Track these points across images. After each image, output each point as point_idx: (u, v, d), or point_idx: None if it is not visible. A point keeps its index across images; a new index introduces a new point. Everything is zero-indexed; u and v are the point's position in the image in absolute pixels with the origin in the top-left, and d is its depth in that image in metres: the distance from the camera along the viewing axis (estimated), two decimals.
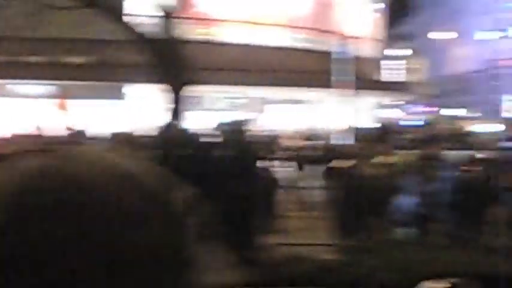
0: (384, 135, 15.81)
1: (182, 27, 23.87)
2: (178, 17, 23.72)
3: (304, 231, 13.56)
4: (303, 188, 17.17)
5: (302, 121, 39.19)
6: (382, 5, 58.70)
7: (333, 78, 25.73)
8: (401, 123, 38.89)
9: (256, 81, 40.60)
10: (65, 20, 29.80)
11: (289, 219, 14.21)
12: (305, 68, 41.63)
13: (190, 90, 22.54)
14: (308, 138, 22.05)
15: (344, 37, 38.90)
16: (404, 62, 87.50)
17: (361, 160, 12.15)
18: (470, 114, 66.82)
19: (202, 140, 12.61)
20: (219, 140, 12.28)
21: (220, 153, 11.65)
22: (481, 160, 13.81)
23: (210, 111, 38.64)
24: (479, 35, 79.13)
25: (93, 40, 37.02)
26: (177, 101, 21.86)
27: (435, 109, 74.66)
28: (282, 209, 14.18)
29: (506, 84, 73.56)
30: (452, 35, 73.80)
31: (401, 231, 11.78)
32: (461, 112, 69.78)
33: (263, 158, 14.66)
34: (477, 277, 8.08)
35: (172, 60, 21.68)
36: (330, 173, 13.47)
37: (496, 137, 16.56)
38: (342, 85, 23.56)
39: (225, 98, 43.35)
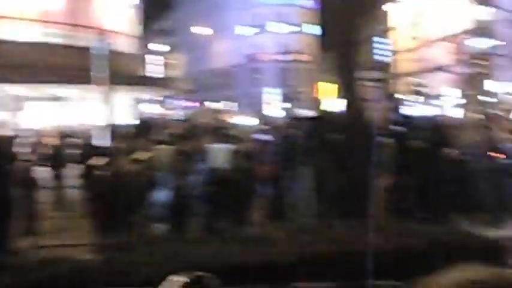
0: (143, 131, 15.79)
1: None
2: None
3: (63, 232, 13.23)
4: (62, 187, 16.73)
5: (62, 119, 38.08)
6: (137, 0, 58.66)
7: (92, 74, 25.25)
8: (162, 118, 39.12)
9: (11, 78, 38.71)
10: None
11: (48, 219, 13.83)
12: (64, 64, 40.52)
13: None
14: (67, 136, 21.44)
15: (101, 32, 38.36)
16: (164, 57, 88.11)
17: (118, 157, 12.07)
18: (231, 108, 68.89)
19: None
20: None
21: None
22: (243, 152, 14.33)
23: None
24: (238, 30, 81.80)
25: None
26: None
27: (197, 103, 76.09)
28: (41, 210, 13.75)
29: (266, 77, 76.88)
30: (212, 30, 75.62)
31: (159, 226, 11.89)
32: (224, 105, 71.73)
33: (20, 158, 14.06)
34: (235, 268, 8.36)
35: None
36: (88, 171, 13.25)
37: (252, 129, 17.15)
38: (100, 81, 23.22)
39: None
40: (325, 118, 11.63)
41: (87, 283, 7.85)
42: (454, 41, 58.02)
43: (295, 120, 13.83)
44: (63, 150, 18.21)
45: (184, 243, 9.88)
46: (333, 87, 11.62)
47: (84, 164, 14.13)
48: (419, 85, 61.92)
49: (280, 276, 8.30)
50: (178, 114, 47.75)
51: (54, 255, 9.73)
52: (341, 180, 11.10)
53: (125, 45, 52.34)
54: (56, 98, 44.54)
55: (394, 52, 67.23)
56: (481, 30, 56.97)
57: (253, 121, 33.78)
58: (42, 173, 15.97)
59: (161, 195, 12.23)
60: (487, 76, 56.32)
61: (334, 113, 11.80)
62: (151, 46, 77.39)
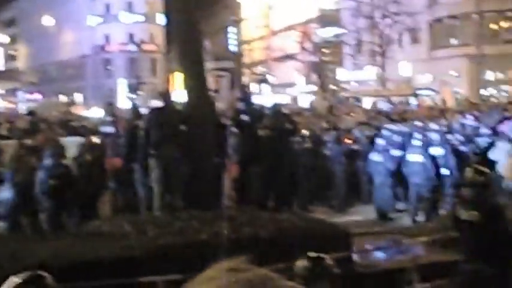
0: None
1: None
2: None
3: None
4: None
5: None
6: None
7: None
8: (5, 111, 37.60)
9: None
10: None
11: None
12: None
13: None
14: None
15: None
16: (5, 48, 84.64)
17: None
18: (80, 100, 67.29)
19: None
20: None
21: None
22: (90, 145, 13.95)
23: None
24: (87, 20, 79.84)
25: None
26: None
27: (43, 96, 73.76)
28: None
29: (115, 68, 75.59)
30: (60, 20, 73.43)
31: (1, 225, 11.40)
32: (73, 98, 69.93)
33: None
34: (82, 264, 8.11)
35: None
36: None
37: (101, 121, 16.72)
38: None
39: None
40: (173, 109, 11.48)
41: None
42: (302, 29, 59.50)
43: (143, 112, 13.58)
44: None
45: (28, 241, 9.51)
46: (182, 78, 11.49)
47: None
48: (268, 74, 63.06)
49: (128, 270, 8.11)
50: (23, 107, 46.04)
51: None
52: (190, 172, 11.02)
53: None
54: None
55: (246, 42, 68.15)
56: (328, 18, 58.70)
57: (102, 113, 33.06)
58: None
59: (5, 193, 11.69)
60: (336, 64, 58.18)
61: (182, 103, 11.67)
62: None
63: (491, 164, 14.48)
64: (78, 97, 70.92)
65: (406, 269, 9.02)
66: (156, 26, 77.51)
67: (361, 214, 15.13)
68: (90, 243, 8.99)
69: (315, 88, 57.01)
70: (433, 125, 16.18)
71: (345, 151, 15.94)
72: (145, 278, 7.95)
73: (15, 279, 3.57)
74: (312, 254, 4.96)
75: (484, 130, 16.07)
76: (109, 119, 14.45)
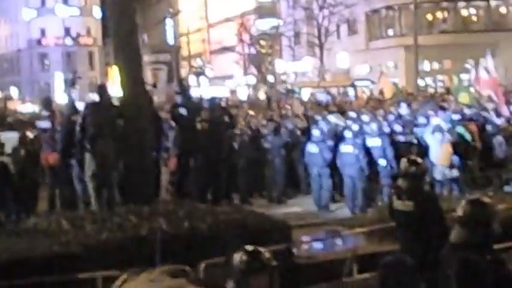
0: None
1: None
2: None
3: None
4: None
5: None
6: None
7: None
8: None
9: None
10: None
11: None
12: None
13: None
14: None
15: None
16: None
17: None
18: (16, 94, 66.01)
19: None
20: None
21: None
22: (26, 140, 13.73)
23: None
24: (25, 14, 78.24)
25: None
26: None
27: None
28: None
29: (52, 62, 74.32)
30: None
31: None
32: (8, 92, 68.44)
33: None
34: (18, 261, 7.97)
35: None
36: None
37: (37, 116, 16.43)
38: None
39: None
40: (109, 103, 11.32)
41: None
42: (240, 21, 59.48)
43: (80, 106, 13.38)
44: None
45: None
46: (118, 71, 11.36)
47: None
48: (206, 67, 62.90)
49: (66, 267, 8.00)
50: None
51: None
52: (127, 166, 10.91)
53: None
54: None
55: (183, 34, 67.76)
56: (265, 10, 58.79)
57: (39, 108, 32.53)
58: None
59: None
60: (274, 56, 58.31)
61: (119, 97, 11.53)
62: None
63: (427, 154, 14.76)
64: (13, 92, 69.47)
65: (345, 259, 9.10)
66: (93, 19, 76.49)
67: (301, 206, 15.22)
68: (27, 240, 8.84)
69: (253, 80, 57.11)
70: (369, 116, 16.38)
71: (284, 143, 16.01)
72: (84, 274, 7.85)
73: None
74: (249, 247, 4.96)
75: (421, 120, 16.32)
76: (45, 113, 14.20)
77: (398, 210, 7.41)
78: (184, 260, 7.91)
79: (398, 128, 15.84)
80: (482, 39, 41.48)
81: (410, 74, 38.13)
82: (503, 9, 51.23)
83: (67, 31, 76.28)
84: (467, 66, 27.97)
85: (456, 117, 16.71)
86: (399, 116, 17.48)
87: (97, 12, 73.80)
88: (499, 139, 15.64)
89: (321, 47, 50.55)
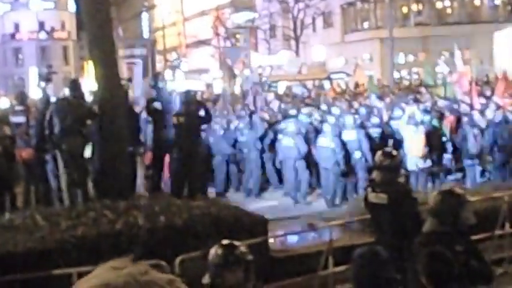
0: None
1: None
2: None
3: None
4: None
5: None
6: None
7: None
8: None
9: None
10: None
11: None
12: None
13: None
14: None
15: None
16: None
17: None
18: None
19: None
20: None
21: None
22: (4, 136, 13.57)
23: None
24: None
25: None
26: None
27: None
28: None
29: (28, 56, 73.63)
30: None
31: None
32: None
33: None
34: None
35: None
36: None
37: (11, 111, 16.25)
38: None
39: None
40: (79, 100, 11.22)
41: None
42: (215, 15, 59.32)
43: (52, 101, 13.26)
44: None
45: None
46: (92, 66, 11.29)
47: None
48: (182, 60, 62.64)
49: (42, 263, 7.96)
50: None
51: None
52: (102, 160, 10.85)
53: None
54: None
55: (159, 28, 67.46)
56: (241, 3, 58.69)
57: (13, 103, 32.15)
58: None
59: None
60: (250, 49, 58.20)
61: (95, 91, 11.45)
62: None
63: (401, 145, 14.86)
64: None
65: (321, 252, 9.14)
66: (67, 12, 75.87)
67: (277, 199, 15.24)
68: (2, 236, 8.77)
69: (228, 74, 57.02)
70: (341, 109, 16.46)
71: (260, 135, 16.01)
72: (60, 270, 7.81)
73: None
74: (225, 242, 4.97)
75: (397, 112, 16.39)
76: (20, 108, 14.07)
77: (372, 203, 7.45)
78: (160, 254, 7.90)
79: (374, 120, 15.91)
80: (457, 32, 41.77)
81: (386, 66, 38.32)
82: (477, 2, 51.59)
83: (41, 25, 75.62)
84: (441, 59, 28.12)
85: (436, 107, 16.89)
86: (373, 109, 17.57)
87: (71, 6, 73.17)
88: (474, 131, 15.75)
89: (297, 40, 50.61)
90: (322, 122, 15.44)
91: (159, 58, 65.12)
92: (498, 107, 17.09)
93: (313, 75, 46.52)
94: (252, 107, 19.17)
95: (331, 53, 51.69)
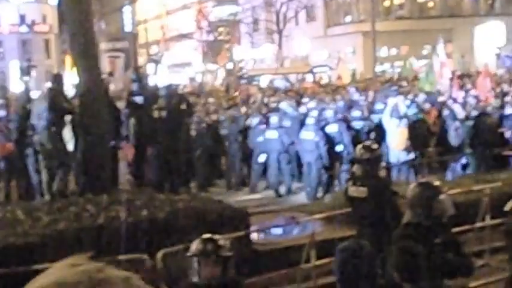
0: None
1: None
2: None
3: None
4: None
5: None
6: None
7: None
8: None
9: None
10: None
11: None
12: None
13: None
14: None
15: None
16: None
17: None
18: None
19: None
20: None
21: None
22: None
23: None
24: None
25: None
26: None
27: None
28: None
29: (9, 50, 73.08)
30: None
31: None
32: None
33: None
34: None
35: None
36: None
37: None
38: None
39: None
40: (63, 91, 11.17)
41: None
42: (198, 8, 59.16)
43: (35, 95, 13.18)
44: None
45: None
46: (73, 60, 11.25)
47: None
48: (164, 54, 62.41)
49: (23, 258, 7.90)
50: None
51: None
52: (84, 155, 10.80)
53: None
54: None
55: (141, 22, 67.21)
56: None
57: None
58: None
59: None
60: (233, 43, 58.15)
61: (76, 85, 11.39)
62: None
63: (384, 138, 14.91)
64: None
65: (304, 246, 9.15)
66: (48, 6, 75.28)
67: (259, 193, 15.24)
68: None
69: (211, 67, 56.96)
70: (326, 102, 16.48)
71: (241, 130, 16.01)
72: (41, 265, 7.76)
73: None
74: (205, 236, 4.97)
75: (379, 106, 16.45)
76: (0, 102, 13.99)
77: (352, 197, 7.47)
78: (142, 248, 7.89)
79: (355, 113, 15.97)
80: (438, 25, 41.95)
81: (368, 60, 38.39)
82: None
83: (22, 18, 75.00)
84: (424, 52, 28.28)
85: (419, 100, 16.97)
86: (354, 102, 17.63)
87: None
88: (455, 124, 15.84)
89: (280, 33, 50.59)
90: (305, 115, 15.45)
91: (141, 52, 64.88)
92: (478, 101, 17.22)
93: (295, 68, 46.56)
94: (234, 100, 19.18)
95: (314, 47, 51.71)
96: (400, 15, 50.29)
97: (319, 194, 14.42)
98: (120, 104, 13.21)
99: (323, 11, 52.50)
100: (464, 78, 25.06)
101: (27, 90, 13.60)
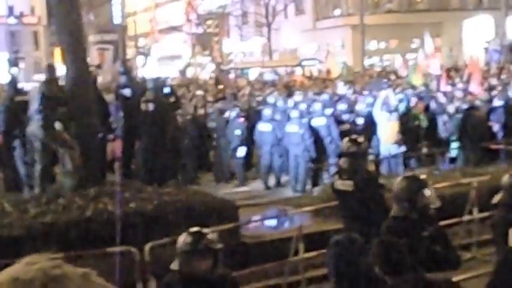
0: None
1: None
2: None
3: None
4: None
5: None
6: None
7: None
8: None
9: None
10: None
11: None
12: None
13: None
14: None
15: None
16: None
17: None
18: None
19: None
20: None
21: None
22: None
23: None
24: None
25: None
26: None
27: None
28: None
29: None
30: None
31: None
32: None
33: None
34: None
35: None
36: None
37: None
38: None
39: None
40: (54, 83, 11.09)
41: None
42: (187, 1, 58.96)
43: (24, 86, 13.12)
44: None
45: None
46: (61, 52, 11.18)
47: None
48: (152, 47, 62.21)
49: (9, 250, 7.87)
50: None
51: None
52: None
53: None
54: None
55: (130, 14, 66.97)
56: None
57: None
58: None
59: None
60: (222, 35, 58.05)
61: (64, 77, 11.31)
62: None
63: (375, 131, 14.94)
64: None
65: (292, 238, 9.16)
66: None
67: (248, 185, 15.24)
68: None
69: (200, 60, 56.85)
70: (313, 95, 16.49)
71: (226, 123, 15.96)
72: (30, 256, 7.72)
73: None
74: (193, 229, 4.95)
75: (368, 100, 16.46)
76: None
77: (339, 190, 7.46)
78: (130, 241, 7.87)
79: (341, 107, 15.97)
80: (427, 19, 42.02)
81: (357, 53, 38.44)
82: None
83: (10, 10, 74.55)
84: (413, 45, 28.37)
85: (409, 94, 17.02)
86: (340, 95, 17.65)
87: None
88: (443, 118, 15.87)
89: (269, 26, 50.53)
90: (292, 108, 15.44)
91: (130, 44, 64.68)
92: (465, 94, 17.28)
93: (284, 61, 46.54)
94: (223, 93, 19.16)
95: (302, 40, 51.69)
96: (389, 9, 50.35)
97: (307, 187, 14.41)
98: (109, 97, 13.17)
99: (312, 4, 52.48)
100: (452, 71, 25.12)
101: (15, 82, 13.52)
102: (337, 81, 22.20)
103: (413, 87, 18.92)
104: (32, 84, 18.76)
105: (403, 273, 4.24)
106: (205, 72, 49.32)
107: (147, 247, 7.97)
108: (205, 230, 4.98)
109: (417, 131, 15.63)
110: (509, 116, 15.91)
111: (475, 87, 18.60)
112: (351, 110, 16.00)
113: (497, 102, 16.43)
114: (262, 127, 14.99)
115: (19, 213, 9.01)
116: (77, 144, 10.15)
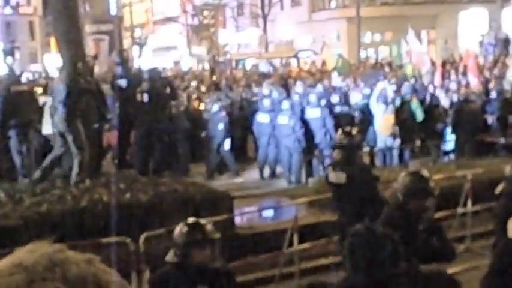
0: None
1: None
2: None
3: None
4: None
5: None
6: None
7: None
8: None
9: None
10: None
11: None
12: None
13: None
14: None
15: None
16: None
17: None
18: None
19: None
20: None
21: None
22: None
23: None
24: None
25: None
26: None
27: None
28: None
29: None
30: None
31: None
32: None
33: None
34: None
35: None
36: None
37: None
38: None
39: None
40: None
41: None
42: None
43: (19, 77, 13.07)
44: None
45: None
46: (56, 42, 11.16)
47: None
48: (148, 37, 62.07)
49: (4, 240, 7.88)
50: None
51: None
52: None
53: None
54: None
55: (126, 4, 66.77)
56: None
57: None
58: None
59: None
60: (218, 26, 57.90)
61: (60, 68, 11.28)
62: None
63: (371, 123, 14.96)
64: None
65: (286, 230, 9.18)
66: None
67: (243, 176, 15.25)
68: None
69: (196, 51, 56.75)
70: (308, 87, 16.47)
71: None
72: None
73: None
74: (191, 220, 4.96)
75: (365, 91, 16.45)
76: None
77: (332, 182, 7.47)
78: (125, 231, 7.88)
79: (334, 99, 15.96)
80: (422, 11, 41.98)
81: (353, 45, 38.39)
82: None
83: (6, 0, 74.33)
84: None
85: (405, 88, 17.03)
86: (335, 87, 17.64)
87: None
88: (438, 110, 15.91)
89: (265, 18, 50.44)
90: (284, 99, 15.44)
91: (126, 35, 64.51)
92: (459, 87, 17.30)
93: (280, 53, 46.48)
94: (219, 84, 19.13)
95: (298, 31, 51.60)
96: (385, 1, 50.25)
97: (297, 179, 14.41)
98: (105, 87, 13.14)
99: None
100: (447, 64, 25.12)
101: (11, 72, 13.47)
102: (332, 73, 22.18)
103: (406, 79, 18.92)
104: (27, 75, 18.67)
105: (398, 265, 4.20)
106: (201, 63, 49.25)
107: (142, 238, 7.99)
108: (202, 221, 4.99)
109: (412, 124, 15.65)
110: (504, 109, 15.95)
111: (472, 80, 18.62)
112: (345, 101, 16.00)
113: (492, 95, 16.47)
114: (261, 118, 15.00)
115: (14, 203, 9.02)
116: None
